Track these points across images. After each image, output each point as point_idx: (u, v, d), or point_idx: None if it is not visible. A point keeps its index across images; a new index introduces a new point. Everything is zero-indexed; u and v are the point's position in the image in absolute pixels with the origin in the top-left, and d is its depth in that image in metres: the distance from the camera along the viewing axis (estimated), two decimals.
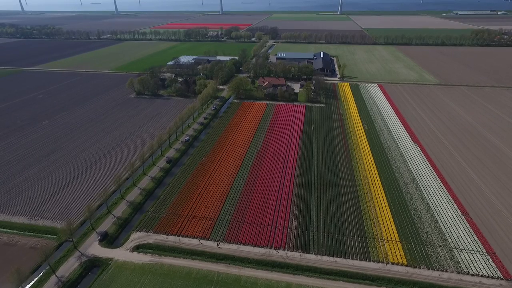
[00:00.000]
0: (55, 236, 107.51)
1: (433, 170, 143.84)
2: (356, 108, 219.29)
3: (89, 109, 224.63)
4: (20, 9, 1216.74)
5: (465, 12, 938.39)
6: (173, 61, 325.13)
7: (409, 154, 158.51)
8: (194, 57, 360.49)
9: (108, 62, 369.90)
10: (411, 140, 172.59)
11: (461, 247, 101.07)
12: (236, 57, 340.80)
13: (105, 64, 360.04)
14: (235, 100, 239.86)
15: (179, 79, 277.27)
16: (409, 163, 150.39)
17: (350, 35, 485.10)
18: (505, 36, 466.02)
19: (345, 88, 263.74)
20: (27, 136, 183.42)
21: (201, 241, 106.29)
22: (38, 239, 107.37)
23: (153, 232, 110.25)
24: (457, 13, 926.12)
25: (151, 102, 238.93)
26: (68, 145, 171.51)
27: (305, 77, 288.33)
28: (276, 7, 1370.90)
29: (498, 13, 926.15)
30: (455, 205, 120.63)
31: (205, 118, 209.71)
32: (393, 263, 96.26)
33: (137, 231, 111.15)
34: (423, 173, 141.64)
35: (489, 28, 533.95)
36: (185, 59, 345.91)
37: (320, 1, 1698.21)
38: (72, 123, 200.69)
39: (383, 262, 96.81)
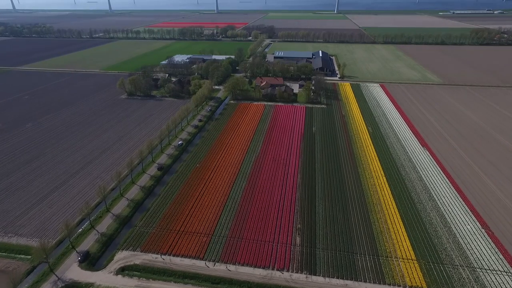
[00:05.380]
0: (29, 257, 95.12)
1: (445, 177, 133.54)
2: (358, 109, 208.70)
3: (77, 111, 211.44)
4: (11, 8, 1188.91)
5: (462, 11, 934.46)
6: (166, 61, 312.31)
7: (418, 159, 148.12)
8: (188, 56, 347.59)
9: (100, 62, 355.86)
10: (419, 143, 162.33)
11: (486, 266, 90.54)
12: (233, 56, 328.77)
13: (96, 64, 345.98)
14: (232, 101, 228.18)
15: (173, 79, 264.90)
16: (419, 169, 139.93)
17: (348, 34, 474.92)
18: (505, 35, 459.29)
19: (346, 88, 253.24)
20: (8, 140, 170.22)
21: (195, 261, 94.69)
22: (10, 260, 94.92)
23: (141, 251, 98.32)
24: (453, 12, 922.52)
25: (143, 103, 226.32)
26: (51, 151, 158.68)
27: (304, 76, 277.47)
28: (272, 6, 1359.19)
29: (495, 12, 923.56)
30: (473, 216, 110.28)
31: (200, 120, 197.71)
32: (411, 287, 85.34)
33: (123, 249, 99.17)
34: (435, 180, 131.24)
35: (487, 27, 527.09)
36: (179, 58, 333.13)
37: (316, 0, 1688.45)
38: (58, 126, 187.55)
39: (399, 286, 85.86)
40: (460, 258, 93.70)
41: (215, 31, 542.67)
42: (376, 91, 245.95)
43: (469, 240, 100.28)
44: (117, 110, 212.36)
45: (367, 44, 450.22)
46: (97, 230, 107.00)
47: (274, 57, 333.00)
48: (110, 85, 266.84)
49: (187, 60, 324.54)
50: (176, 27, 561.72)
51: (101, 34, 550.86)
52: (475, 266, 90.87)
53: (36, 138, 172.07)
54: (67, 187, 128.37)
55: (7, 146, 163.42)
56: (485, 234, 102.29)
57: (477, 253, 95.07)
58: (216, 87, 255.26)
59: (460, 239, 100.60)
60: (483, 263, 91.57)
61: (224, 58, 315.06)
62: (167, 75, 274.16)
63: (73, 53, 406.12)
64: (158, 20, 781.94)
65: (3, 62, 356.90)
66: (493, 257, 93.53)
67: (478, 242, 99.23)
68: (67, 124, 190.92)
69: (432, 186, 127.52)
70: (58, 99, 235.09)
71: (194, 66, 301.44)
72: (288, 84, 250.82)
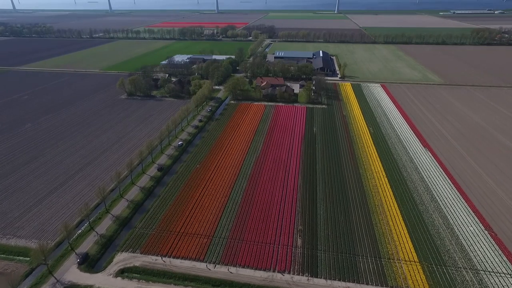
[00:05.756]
0: (28, 259, 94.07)
1: (447, 178, 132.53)
2: (359, 110, 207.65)
3: (76, 111, 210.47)
4: (11, 8, 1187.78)
5: (462, 11, 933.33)
6: (167, 61, 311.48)
7: (420, 160, 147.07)
8: (188, 56, 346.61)
9: (99, 62, 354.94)
10: (420, 144, 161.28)
11: (489, 269, 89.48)
12: (233, 56, 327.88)
13: (96, 64, 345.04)
14: (232, 101, 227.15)
15: (173, 79, 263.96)
16: (421, 170, 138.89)
17: (348, 34, 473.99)
18: (506, 35, 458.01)
19: (347, 88, 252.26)
20: (6, 140, 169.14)
21: (195, 263, 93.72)
22: (8, 262, 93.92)
23: (141, 253, 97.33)
24: (454, 12, 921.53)
25: (143, 103, 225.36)
26: (50, 151, 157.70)
27: (304, 76, 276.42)
28: (272, 6, 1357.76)
29: (495, 12, 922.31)
30: (476, 218, 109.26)
31: (200, 120, 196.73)
32: None
33: (122, 251, 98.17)
34: (437, 181, 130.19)
35: (488, 27, 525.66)
36: (179, 58, 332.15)
37: (317, 0, 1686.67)
38: (57, 127, 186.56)
39: None
40: (463, 260, 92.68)
41: (215, 31, 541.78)
42: (377, 91, 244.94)
43: (472, 242, 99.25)
44: (117, 111, 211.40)
45: (367, 44, 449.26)
46: (96, 232, 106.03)
47: (275, 57, 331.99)
48: (110, 85, 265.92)
49: (187, 60, 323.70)
50: (176, 27, 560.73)
51: (101, 34, 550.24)
52: (479, 268, 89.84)
53: (35, 139, 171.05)
54: (66, 188, 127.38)
55: (6, 147, 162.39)
56: (488, 235, 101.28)
57: (481, 255, 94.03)
58: (216, 87, 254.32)
59: (463, 241, 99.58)
60: (487, 265, 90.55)
61: (224, 58, 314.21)
62: (167, 75, 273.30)
63: (73, 53, 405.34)
64: (158, 20, 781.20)
65: (2, 62, 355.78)
66: (496, 259, 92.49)
67: (481, 244, 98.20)
68: (67, 124, 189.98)
69: (434, 187, 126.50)
70: (58, 99, 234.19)
71: (194, 66, 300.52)
72: (288, 84, 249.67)
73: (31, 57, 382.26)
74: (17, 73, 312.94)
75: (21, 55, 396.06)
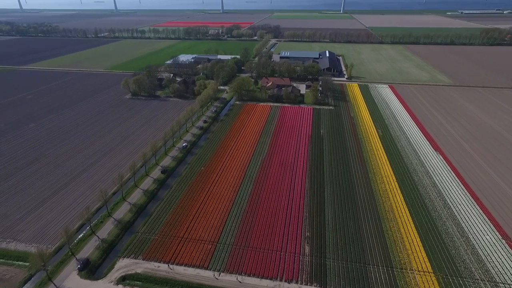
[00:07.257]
0: (27, 264, 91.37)
1: (460, 183, 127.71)
2: (367, 111, 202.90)
3: (80, 111, 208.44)
4: (18, 7, 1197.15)
5: (470, 11, 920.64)
6: (171, 60, 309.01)
7: (431, 163, 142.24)
8: (193, 56, 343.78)
9: (104, 61, 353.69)
10: (431, 147, 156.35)
11: (509, 281, 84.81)
12: (238, 56, 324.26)
13: (101, 63, 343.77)
14: (237, 102, 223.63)
15: (178, 79, 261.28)
16: (432, 174, 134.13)
17: (355, 34, 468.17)
18: None
19: (354, 89, 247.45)
20: (9, 141, 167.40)
21: (199, 270, 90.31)
22: (8, 267, 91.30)
23: (143, 259, 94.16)
24: (462, 12, 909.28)
25: (147, 103, 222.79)
26: (54, 152, 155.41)
27: (311, 77, 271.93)
28: (277, 6, 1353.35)
29: (504, 12, 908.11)
30: (492, 226, 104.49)
31: (205, 121, 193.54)
32: None
33: (124, 257, 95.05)
34: (449, 187, 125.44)
35: (497, 27, 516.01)
36: (184, 58, 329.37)
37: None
38: (61, 127, 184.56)
39: None
40: (480, 272, 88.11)
41: (220, 30, 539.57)
42: (385, 92, 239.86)
43: (489, 251, 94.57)
44: (121, 111, 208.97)
45: (374, 44, 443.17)
46: (97, 236, 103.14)
47: (280, 57, 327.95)
48: (114, 85, 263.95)
49: (192, 60, 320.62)
50: (181, 26, 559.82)
51: (106, 34, 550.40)
52: (497, 280, 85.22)
53: (39, 139, 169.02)
54: (68, 190, 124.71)
55: (9, 147, 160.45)
56: (506, 245, 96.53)
57: (499, 266, 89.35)
58: (222, 87, 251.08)
59: (479, 251, 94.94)
60: (506, 278, 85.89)
61: (229, 58, 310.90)
62: (171, 75, 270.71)
63: (78, 53, 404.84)
64: (163, 20, 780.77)
65: (8, 61, 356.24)
66: None
67: (499, 254, 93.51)
68: (70, 124, 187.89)
69: (446, 193, 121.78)
70: (62, 99, 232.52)
71: (199, 66, 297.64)
72: (294, 84, 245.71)
73: (36, 56, 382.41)
74: (22, 72, 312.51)
75: (26, 54, 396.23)
